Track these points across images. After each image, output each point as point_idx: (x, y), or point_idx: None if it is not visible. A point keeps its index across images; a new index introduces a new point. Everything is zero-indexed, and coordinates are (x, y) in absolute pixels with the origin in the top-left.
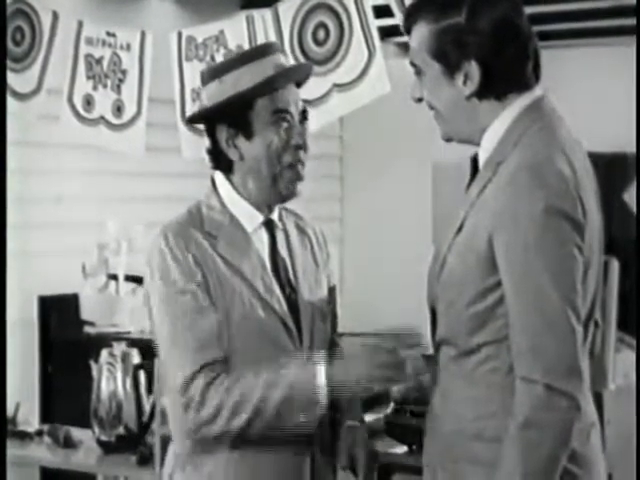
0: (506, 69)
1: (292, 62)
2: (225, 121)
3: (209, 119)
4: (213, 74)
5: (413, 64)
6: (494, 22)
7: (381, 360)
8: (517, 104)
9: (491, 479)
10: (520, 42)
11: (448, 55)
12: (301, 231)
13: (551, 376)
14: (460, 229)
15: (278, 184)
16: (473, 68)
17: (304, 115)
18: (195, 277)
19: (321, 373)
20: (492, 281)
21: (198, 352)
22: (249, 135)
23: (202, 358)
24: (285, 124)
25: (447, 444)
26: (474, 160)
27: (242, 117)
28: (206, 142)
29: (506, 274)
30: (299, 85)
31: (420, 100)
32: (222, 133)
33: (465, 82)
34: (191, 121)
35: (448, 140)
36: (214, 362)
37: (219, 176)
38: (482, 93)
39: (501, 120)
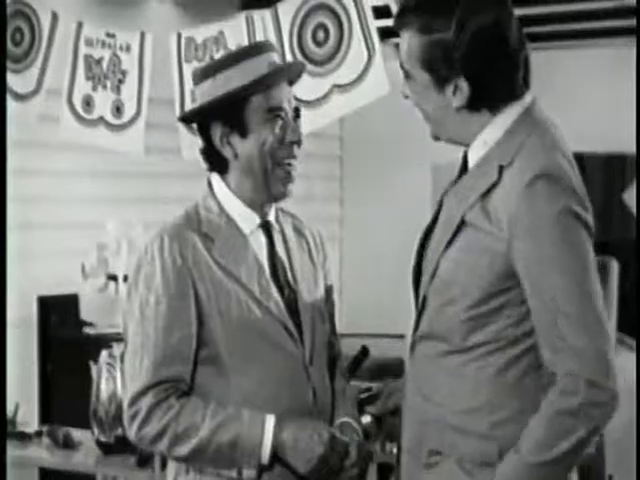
0: (496, 82)
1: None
2: (219, 119)
3: (203, 117)
4: (206, 72)
5: (403, 67)
6: (483, 37)
7: (330, 446)
8: (511, 111)
9: (465, 471)
10: (510, 54)
11: (437, 69)
12: (298, 233)
13: (594, 372)
14: (459, 229)
15: (270, 182)
16: (462, 83)
17: (297, 112)
18: (178, 288)
19: (269, 433)
20: (502, 285)
21: (156, 367)
22: (244, 133)
23: (158, 374)
24: (280, 121)
25: (424, 433)
26: (464, 158)
27: (236, 115)
28: (199, 142)
29: (533, 278)
30: (292, 83)
31: (408, 97)
32: (216, 131)
33: (455, 93)
34: (184, 120)
35: (436, 139)
36: (169, 381)
37: (215, 177)
38: (472, 105)
39: (495, 125)
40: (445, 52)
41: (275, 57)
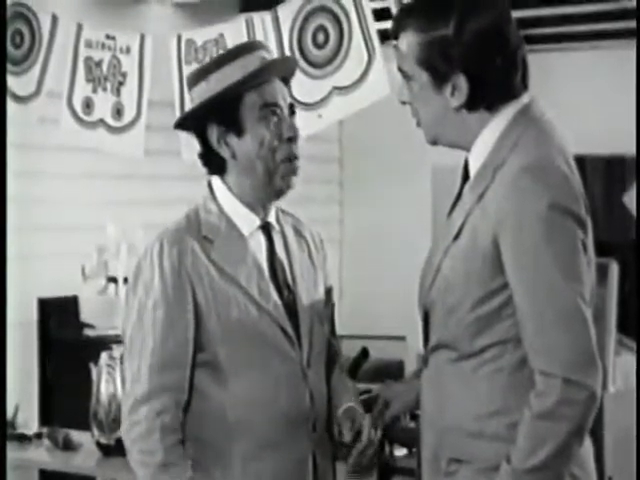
0: (494, 81)
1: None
2: (214, 119)
3: (198, 120)
4: (199, 76)
5: (401, 69)
6: (482, 34)
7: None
8: (507, 112)
9: (485, 476)
10: (508, 53)
11: (436, 67)
12: (298, 234)
13: (570, 370)
14: (458, 235)
15: (274, 179)
16: (461, 81)
17: (292, 109)
18: (176, 294)
19: None
20: (497, 284)
21: (154, 373)
22: (240, 132)
23: (156, 381)
24: (275, 118)
25: (442, 442)
26: (465, 164)
27: (231, 114)
28: (197, 146)
29: (515, 273)
30: (286, 80)
31: (405, 103)
32: (212, 132)
33: (453, 93)
34: (180, 126)
35: (434, 144)
36: (167, 389)
37: (216, 179)
38: (470, 104)
39: (492, 127)
40: (444, 49)
41: (266, 54)
